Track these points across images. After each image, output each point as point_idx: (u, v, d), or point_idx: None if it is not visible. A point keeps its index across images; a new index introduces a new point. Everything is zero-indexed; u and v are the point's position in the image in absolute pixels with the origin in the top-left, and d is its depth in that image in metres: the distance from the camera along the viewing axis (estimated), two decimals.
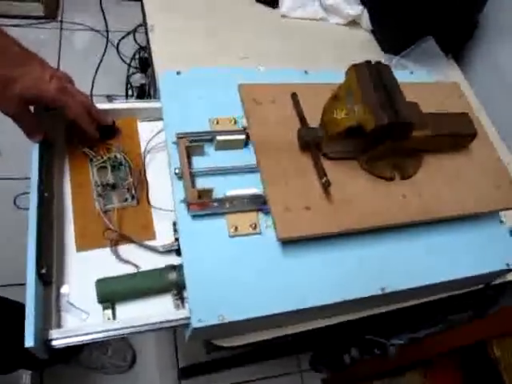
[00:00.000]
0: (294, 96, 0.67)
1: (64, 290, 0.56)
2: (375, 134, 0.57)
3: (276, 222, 0.56)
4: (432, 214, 0.63)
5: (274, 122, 0.65)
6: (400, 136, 0.60)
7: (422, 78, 0.82)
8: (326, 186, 0.58)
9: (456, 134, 0.68)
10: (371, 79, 0.59)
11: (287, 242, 0.58)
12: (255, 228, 0.58)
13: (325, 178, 0.58)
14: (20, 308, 1.00)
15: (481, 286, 0.77)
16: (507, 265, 0.66)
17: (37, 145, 0.58)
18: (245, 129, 0.65)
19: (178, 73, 0.69)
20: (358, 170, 0.64)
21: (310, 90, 0.68)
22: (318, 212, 0.58)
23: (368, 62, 0.61)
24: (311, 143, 0.61)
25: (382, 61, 1.05)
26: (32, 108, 0.59)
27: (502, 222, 0.71)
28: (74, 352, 1.32)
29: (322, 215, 0.58)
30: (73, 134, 0.65)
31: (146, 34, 0.98)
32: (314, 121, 0.64)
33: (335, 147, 0.62)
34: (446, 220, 0.65)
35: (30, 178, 0.56)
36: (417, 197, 0.63)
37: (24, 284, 0.49)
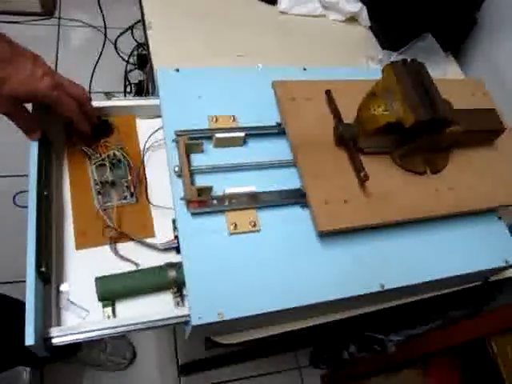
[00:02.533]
0: (328, 93, 0.69)
1: (64, 287, 0.56)
2: (412, 129, 0.59)
3: (316, 215, 0.58)
4: (466, 206, 0.66)
5: (308, 118, 0.67)
6: (435, 132, 0.62)
7: None
8: (363, 180, 0.60)
9: (486, 129, 0.70)
10: (409, 77, 0.60)
11: (286, 241, 0.59)
12: (254, 226, 0.58)
13: (363, 172, 0.59)
14: (19, 305, 1.00)
15: (479, 283, 0.78)
16: (505, 261, 0.67)
17: (35, 143, 0.58)
18: (279, 125, 0.66)
19: (177, 70, 0.69)
20: (391, 165, 0.66)
21: (343, 86, 0.70)
22: (356, 205, 0.60)
23: (405, 60, 0.63)
24: (348, 139, 0.63)
25: (380, 57, 1.06)
26: (30, 106, 0.58)
27: (499, 218, 0.71)
28: (73, 350, 1.32)
29: (360, 208, 0.60)
30: (71, 131, 0.64)
31: (144, 31, 0.97)
32: (346, 117, 0.66)
33: (371, 143, 0.64)
34: (446, 217, 0.66)
35: (28, 176, 0.56)
36: (449, 190, 0.66)
37: (23, 281, 0.49)
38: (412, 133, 0.61)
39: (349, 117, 0.66)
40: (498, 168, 0.71)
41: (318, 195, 0.59)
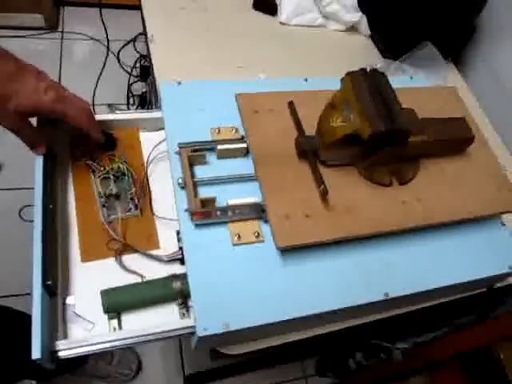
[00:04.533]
0: (290, 104, 0.67)
1: (70, 300, 0.56)
2: (372, 141, 0.57)
3: (275, 230, 0.56)
4: (435, 218, 0.63)
5: (272, 130, 0.65)
6: (397, 143, 0.60)
7: (422, 83, 0.83)
8: (323, 194, 0.59)
9: (453, 138, 0.68)
10: (367, 87, 0.59)
11: (290, 250, 0.58)
12: (258, 236, 0.59)
13: (322, 186, 0.58)
14: (24, 318, 1.01)
15: (484, 290, 0.78)
16: (510, 267, 0.67)
17: (40, 157, 0.59)
18: (243, 138, 0.65)
19: (179, 83, 0.70)
20: (357, 177, 0.64)
21: (310, 96, 0.68)
22: (317, 220, 0.58)
23: (363, 70, 0.61)
24: (309, 151, 0.62)
25: (381, 65, 1.06)
26: (35, 121, 0.59)
27: (503, 224, 0.71)
28: (79, 362, 1.32)
29: (322, 223, 0.58)
30: (75, 145, 0.65)
31: (147, 44, 0.98)
32: (313, 128, 0.64)
33: (332, 155, 0.62)
34: (448, 224, 0.66)
35: (34, 190, 0.57)
36: (417, 201, 0.64)
37: (28, 294, 0.50)
38: (373, 144, 0.59)
39: (315, 128, 0.64)
40: (469, 178, 0.69)
41: (278, 210, 0.58)
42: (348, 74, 0.61)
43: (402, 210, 0.63)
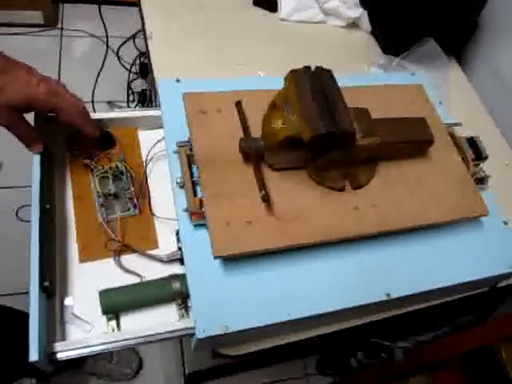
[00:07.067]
0: (238, 105, 0.64)
1: (68, 301, 0.56)
2: (314, 143, 0.54)
3: (212, 238, 0.53)
4: (390, 225, 0.60)
5: (219, 132, 0.62)
6: (343, 145, 0.57)
7: (423, 80, 0.82)
8: (265, 200, 0.55)
9: (409, 140, 0.64)
10: (310, 86, 0.55)
11: (290, 250, 0.58)
12: None
13: (263, 192, 0.55)
14: (23, 316, 1.00)
15: (486, 289, 0.77)
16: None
17: (38, 156, 0.58)
18: (188, 140, 0.62)
19: (178, 80, 0.69)
20: (307, 181, 0.60)
21: (264, 96, 0.63)
22: (261, 227, 0.55)
23: (307, 68, 0.58)
24: (252, 154, 0.58)
25: (382, 62, 1.05)
26: (32, 120, 0.58)
27: (505, 223, 0.70)
28: (79, 360, 1.32)
29: (266, 230, 0.55)
30: (73, 144, 0.65)
31: (145, 40, 0.98)
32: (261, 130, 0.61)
33: (278, 158, 0.59)
34: (449, 223, 0.65)
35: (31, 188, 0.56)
36: (371, 207, 0.60)
37: (26, 293, 0.49)
38: (317, 147, 0.55)
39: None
40: (431, 182, 0.65)
41: (218, 216, 0.54)
42: (291, 71, 0.57)
43: (354, 216, 0.59)
